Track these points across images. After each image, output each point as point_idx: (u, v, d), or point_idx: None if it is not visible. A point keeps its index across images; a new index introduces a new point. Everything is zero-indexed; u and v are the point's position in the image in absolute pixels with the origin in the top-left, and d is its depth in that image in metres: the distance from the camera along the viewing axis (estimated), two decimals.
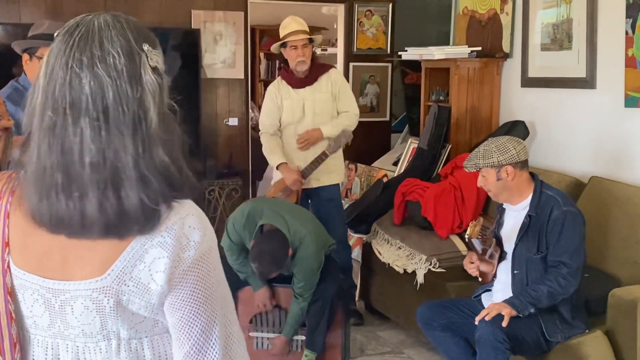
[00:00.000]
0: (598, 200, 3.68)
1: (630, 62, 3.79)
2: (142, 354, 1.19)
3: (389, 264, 4.21)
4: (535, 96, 4.58)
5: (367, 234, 4.62)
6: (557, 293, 2.98)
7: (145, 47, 1.15)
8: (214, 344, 1.16)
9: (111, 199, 1.10)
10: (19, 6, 5.14)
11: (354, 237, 5.41)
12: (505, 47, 4.78)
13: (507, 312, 2.94)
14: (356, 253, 5.33)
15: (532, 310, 3.00)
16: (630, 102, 3.83)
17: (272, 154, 4.31)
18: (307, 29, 4.29)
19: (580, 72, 4.15)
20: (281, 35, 4.27)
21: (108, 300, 1.14)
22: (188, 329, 1.15)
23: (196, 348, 1.15)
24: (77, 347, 1.18)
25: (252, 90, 7.69)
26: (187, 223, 1.14)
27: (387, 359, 4.03)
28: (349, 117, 4.36)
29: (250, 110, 6.06)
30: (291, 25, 4.25)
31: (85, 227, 1.11)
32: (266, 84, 4.59)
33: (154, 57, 1.16)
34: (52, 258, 1.15)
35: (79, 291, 1.14)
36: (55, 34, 1.15)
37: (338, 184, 4.52)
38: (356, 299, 4.66)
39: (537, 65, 4.53)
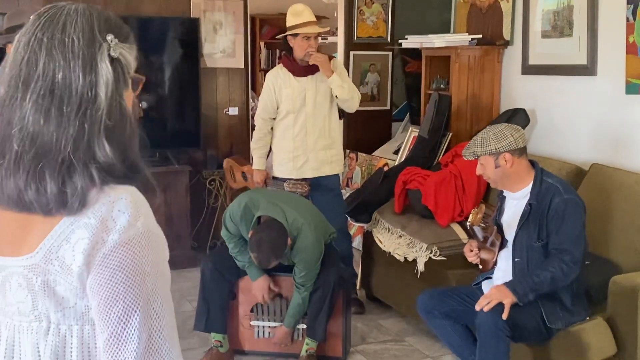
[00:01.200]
0: (599, 188, 3.67)
1: (631, 49, 3.78)
2: (70, 341, 1.18)
3: (389, 253, 4.21)
4: (535, 84, 4.57)
5: (367, 222, 4.62)
6: (559, 279, 2.98)
7: (109, 37, 1.17)
8: (132, 334, 1.12)
9: (30, 178, 1.11)
10: None
11: (354, 226, 5.40)
12: (506, 35, 4.76)
13: (508, 302, 2.95)
14: (357, 242, 5.33)
15: (532, 298, 3.00)
16: (631, 88, 3.82)
17: (254, 155, 4.44)
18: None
19: (581, 59, 4.14)
20: (292, 23, 4.21)
21: (36, 278, 1.15)
22: (106, 314, 1.12)
23: (115, 336, 1.12)
24: (14, 325, 1.20)
25: (253, 79, 7.67)
26: (117, 207, 1.13)
27: (389, 347, 4.04)
28: (354, 90, 4.33)
29: (250, 100, 6.04)
30: (305, 14, 4.21)
31: (6, 201, 1.13)
32: (266, 73, 4.56)
33: (118, 49, 1.18)
34: (2, 234, 1.18)
35: (14, 267, 1.16)
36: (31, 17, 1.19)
37: (338, 174, 4.52)
38: (357, 287, 4.67)
39: (537, 53, 4.51)
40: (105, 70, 1.15)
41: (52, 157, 1.11)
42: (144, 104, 3.38)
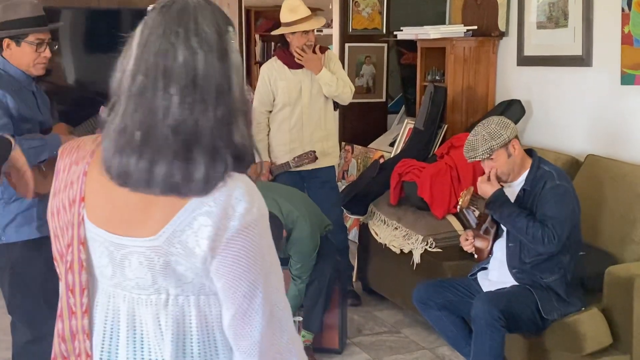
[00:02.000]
0: (594, 179, 3.67)
1: (626, 39, 3.77)
2: (189, 310, 1.28)
3: (385, 245, 4.21)
4: (531, 75, 4.56)
5: (363, 215, 4.62)
6: (527, 234, 2.98)
7: (230, 29, 1.27)
8: (257, 309, 1.24)
9: (181, 163, 1.20)
10: None
11: (350, 219, 5.41)
12: (501, 26, 4.75)
13: (490, 186, 3.06)
14: (353, 234, 5.33)
15: (497, 216, 3.05)
16: (626, 79, 3.81)
17: (257, 148, 4.36)
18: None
19: (577, 50, 4.13)
20: (288, 20, 4.18)
21: (158, 259, 1.24)
22: (232, 294, 1.24)
23: (241, 312, 1.24)
24: (132, 297, 1.30)
25: (248, 72, 7.65)
26: (235, 195, 1.23)
27: (384, 338, 4.04)
28: (345, 84, 4.31)
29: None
30: (300, 10, 4.18)
31: (150, 183, 1.21)
32: (262, 65, 4.55)
33: (235, 38, 1.28)
34: (118, 215, 1.28)
35: (135, 247, 1.26)
36: (149, 8, 1.26)
37: (333, 166, 4.51)
38: (353, 279, 4.66)
39: (533, 44, 4.50)
40: (234, 59, 1.25)
41: (200, 144, 1.20)
42: None
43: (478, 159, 3.12)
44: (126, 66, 1.23)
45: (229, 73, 1.23)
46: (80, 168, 1.31)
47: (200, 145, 1.20)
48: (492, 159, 3.09)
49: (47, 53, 2.86)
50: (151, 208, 1.24)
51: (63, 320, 1.35)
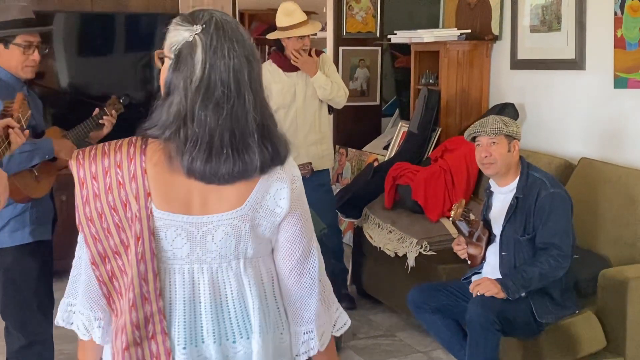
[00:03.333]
0: (588, 182, 3.68)
1: (619, 43, 3.79)
2: (259, 269, 1.55)
3: (380, 248, 4.21)
4: (524, 78, 4.57)
5: (358, 218, 4.62)
6: (548, 275, 2.99)
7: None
8: (314, 252, 1.58)
9: (264, 152, 1.45)
10: None
11: (345, 222, 5.41)
12: (495, 29, 4.76)
13: (499, 296, 2.96)
14: (347, 237, 5.33)
15: (523, 294, 3.01)
16: (619, 83, 3.83)
17: None
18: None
19: (570, 54, 4.14)
20: (284, 24, 4.18)
21: (245, 224, 1.49)
22: (299, 241, 1.55)
23: (304, 256, 1.56)
24: (212, 268, 1.50)
25: None
26: (290, 163, 1.55)
27: (380, 342, 4.04)
28: (340, 87, 4.31)
29: None
30: (296, 14, 4.17)
31: (243, 175, 1.45)
32: None
33: None
34: (193, 200, 1.47)
35: (221, 221, 1.48)
36: (197, 31, 1.43)
37: (328, 169, 4.51)
38: (348, 283, 4.67)
39: (526, 47, 4.51)
40: (261, 62, 1.52)
41: (272, 134, 1.48)
42: (126, 100, 3.38)
43: (484, 135, 3.11)
44: (193, 85, 1.41)
45: (261, 74, 1.50)
46: (131, 169, 1.46)
47: (273, 135, 1.48)
48: (494, 142, 3.10)
49: (36, 56, 2.83)
50: (228, 187, 1.47)
51: (137, 309, 1.47)
